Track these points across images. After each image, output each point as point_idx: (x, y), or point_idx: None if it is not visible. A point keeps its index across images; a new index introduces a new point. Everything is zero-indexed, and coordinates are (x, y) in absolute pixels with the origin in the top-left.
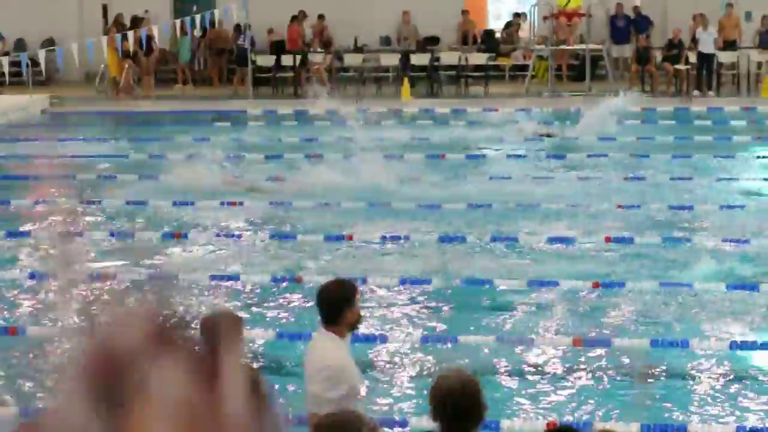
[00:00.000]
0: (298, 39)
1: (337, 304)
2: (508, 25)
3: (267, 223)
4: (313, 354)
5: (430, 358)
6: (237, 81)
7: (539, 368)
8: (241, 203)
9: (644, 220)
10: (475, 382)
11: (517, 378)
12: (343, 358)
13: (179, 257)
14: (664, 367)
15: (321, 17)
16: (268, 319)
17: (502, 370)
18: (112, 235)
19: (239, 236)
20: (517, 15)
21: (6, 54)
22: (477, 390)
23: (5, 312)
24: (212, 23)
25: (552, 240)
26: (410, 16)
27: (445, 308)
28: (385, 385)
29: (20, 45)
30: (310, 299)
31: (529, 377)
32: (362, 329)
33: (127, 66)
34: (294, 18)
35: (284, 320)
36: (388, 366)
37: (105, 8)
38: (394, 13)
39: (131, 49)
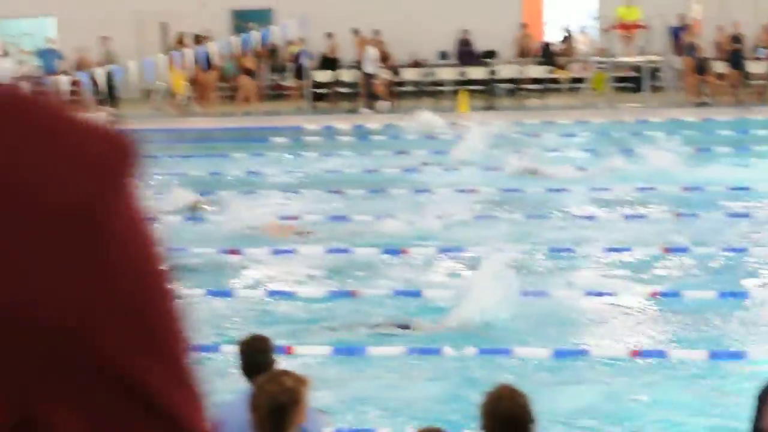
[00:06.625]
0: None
1: None
2: (566, 37)
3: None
4: None
5: None
6: (297, 96)
7: None
8: None
9: None
10: (524, 394)
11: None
12: None
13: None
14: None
15: (376, 32)
16: None
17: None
18: None
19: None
20: (570, 29)
21: (64, 73)
22: (526, 402)
23: None
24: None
25: None
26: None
27: None
28: None
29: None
30: None
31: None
32: None
33: (185, 83)
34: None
35: None
36: None
37: (164, 27)
38: (452, 28)
39: (191, 66)
